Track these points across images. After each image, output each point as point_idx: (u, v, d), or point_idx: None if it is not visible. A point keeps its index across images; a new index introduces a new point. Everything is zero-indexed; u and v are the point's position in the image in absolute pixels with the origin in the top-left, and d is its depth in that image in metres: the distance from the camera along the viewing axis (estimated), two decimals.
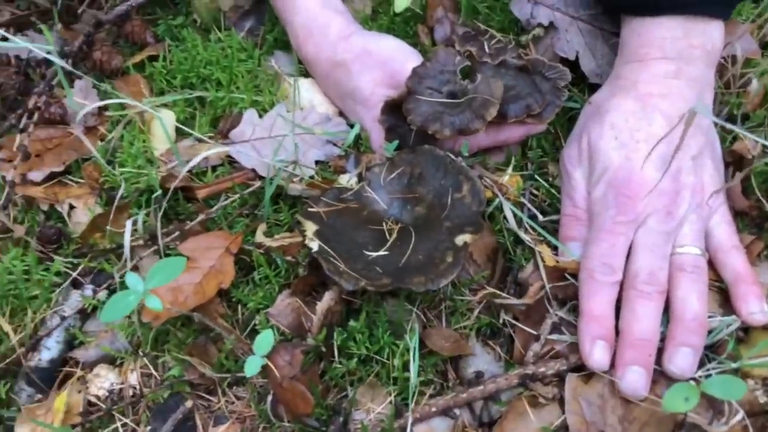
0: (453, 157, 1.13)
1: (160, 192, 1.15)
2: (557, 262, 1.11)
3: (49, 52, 0.90)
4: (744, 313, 1.04)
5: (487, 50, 1.20)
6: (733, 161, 1.16)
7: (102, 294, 1.12)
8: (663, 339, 1.03)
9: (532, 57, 1.22)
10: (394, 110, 1.20)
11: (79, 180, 1.28)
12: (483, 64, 1.19)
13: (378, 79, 1.22)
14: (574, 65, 1.27)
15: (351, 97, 1.26)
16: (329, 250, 1.03)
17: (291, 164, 1.15)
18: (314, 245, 1.03)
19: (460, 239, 1.03)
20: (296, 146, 1.14)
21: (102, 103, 1.14)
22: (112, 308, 0.85)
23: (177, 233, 1.12)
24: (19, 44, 0.88)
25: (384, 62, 1.22)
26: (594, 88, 1.29)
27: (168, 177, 1.21)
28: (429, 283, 0.98)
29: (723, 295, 1.09)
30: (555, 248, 1.14)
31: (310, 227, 1.06)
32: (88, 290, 1.14)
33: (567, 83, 1.21)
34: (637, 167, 1.07)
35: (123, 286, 1.08)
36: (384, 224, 1.11)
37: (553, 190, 1.20)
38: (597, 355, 1.01)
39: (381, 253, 1.05)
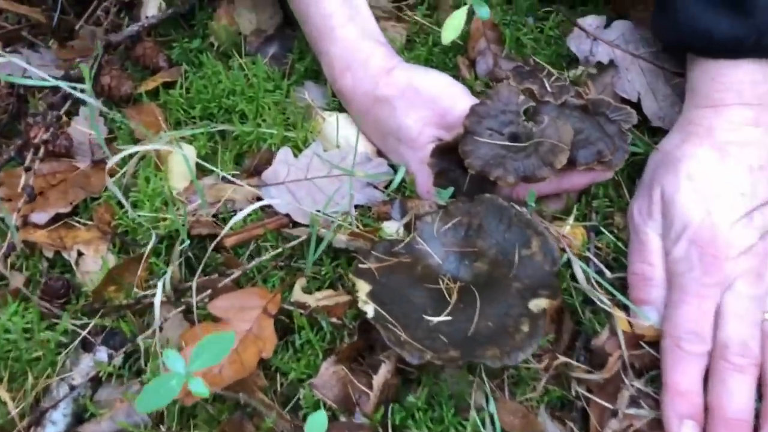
0: (518, 208, 1.02)
1: (188, 243, 1.01)
2: (632, 328, 1.00)
3: (83, 90, 0.76)
4: None
5: (548, 88, 1.09)
6: None
7: (118, 359, 0.98)
8: (756, 415, 0.93)
9: (595, 97, 1.12)
10: (446, 153, 1.08)
11: (88, 222, 1.13)
12: (545, 104, 1.08)
13: (426, 118, 1.11)
14: (633, 107, 1.17)
15: (395, 137, 1.14)
16: (386, 315, 0.90)
17: (343, 215, 1.03)
18: (369, 310, 0.91)
19: (536, 305, 0.92)
20: (351, 196, 1.02)
21: (136, 149, 1.00)
22: (150, 396, 0.71)
23: (209, 291, 0.98)
24: (49, 82, 0.74)
25: (432, 100, 1.11)
26: (655, 132, 1.20)
27: (193, 224, 1.07)
28: (505, 357, 0.86)
29: None
30: (626, 310, 1.03)
31: (363, 287, 0.94)
32: (102, 353, 0.99)
33: (631, 126, 1.11)
34: (721, 224, 0.98)
35: (146, 354, 0.95)
36: (441, 282, 0.99)
37: (620, 244, 1.10)
38: None
39: (443, 318, 0.93)
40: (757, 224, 0.98)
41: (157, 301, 0.91)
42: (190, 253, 1.05)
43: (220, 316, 0.96)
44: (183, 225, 1.01)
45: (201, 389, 0.74)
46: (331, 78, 1.21)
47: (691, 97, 1.10)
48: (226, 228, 0.98)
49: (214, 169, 1.10)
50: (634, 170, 1.19)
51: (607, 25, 1.25)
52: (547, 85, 1.11)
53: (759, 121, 1.03)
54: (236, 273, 1.00)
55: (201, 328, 0.95)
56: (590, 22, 1.24)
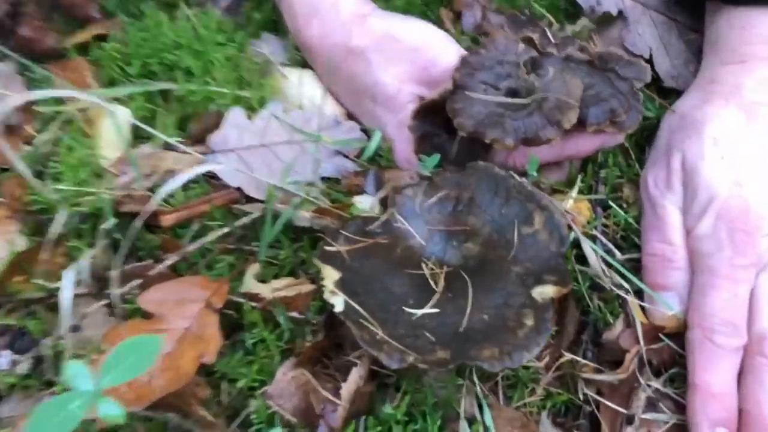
0: (517, 178, 0.85)
1: (113, 222, 0.82)
2: (649, 318, 0.85)
3: None
4: None
5: (551, 39, 0.92)
6: None
7: (24, 366, 0.79)
8: None
9: (604, 50, 0.95)
10: (431, 114, 0.91)
11: None
12: (547, 56, 0.91)
13: (406, 73, 0.94)
14: None
15: (370, 96, 0.96)
16: (359, 308, 0.73)
17: (307, 186, 0.85)
18: (338, 302, 0.73)
19: (541, 293, 0.75)
20: (317, 163, 0.84)
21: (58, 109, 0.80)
22: (43, 422, 0.53)
23: (139, 280, 0.80)
24: None
25: (414, 51, 0.94)
26: (666, 94, 1.05)
27: (123, 198, 0.88)
28: (505, 358, 0.70)
29: None
30: (641, 297, 0.87)
31: (330, 274, 0.76)
32: (4, 358, 0.80)
33: (645, 83, 0.95)
34: (753, 196, 0.83)
35: (57, 357, 0.76)
36: (425, 267, 0.81)
37: (631, 220, 0.94)
38: None
39: (429, 310, 0.76)
40: None
41: (66, 292, 0.73)
42: (118, 235, 0.86)
43: (153, 312, 0.78)
44: (106, 198, 0.82)
45: (113, 411, 0.56)
46: (294, 28, 1.03)
47: (714, 52, 0.95)
48: (155, 199, 0.79)
49: (154, 132, 0.91)
50: (643, 137, 1.03)
51: None
52: (549, 34, 0.94)
53: None
54: (172, 258, 0.81)
55: (127, 327, 0.76)
56: None
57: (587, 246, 0.84)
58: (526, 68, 0.88)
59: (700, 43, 1.03)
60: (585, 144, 0.91)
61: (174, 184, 0.80)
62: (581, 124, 0.86)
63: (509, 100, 0.85)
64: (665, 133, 0.95)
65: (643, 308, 0.86)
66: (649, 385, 0.82)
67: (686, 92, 0.97)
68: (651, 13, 1.05)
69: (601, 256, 0.86)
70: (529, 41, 0.92)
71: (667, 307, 0.84)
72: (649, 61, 1.03)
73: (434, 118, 0.90)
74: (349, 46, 0.96)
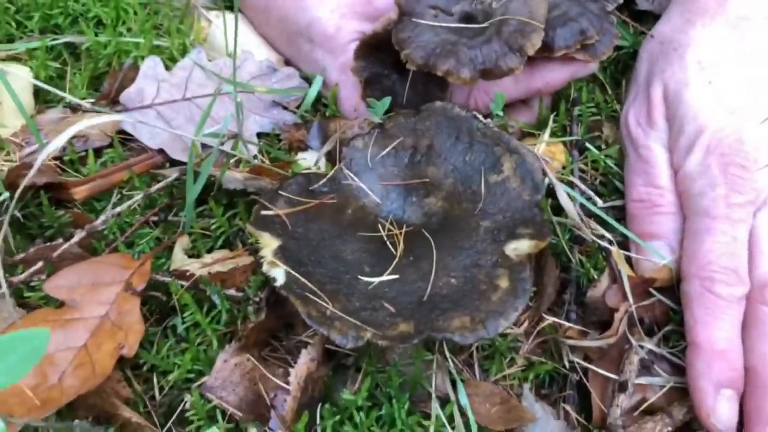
0: (481, 118, 0.73)
1: (6, 195, 0.69)
2: (637, 271, 0.76)
3: None
4: None
5: None
6: None
7: None
8: None
9: None
10: (376, 51, 0.79)
11: None
12: None
13: (344, 6, 0.82)
14: None
15: (306, 38, 0.84)
16: (304, 280, 0.62)
17: (229, 140, 0.72)
18: (278, 274, 0.62)
19: (515, 249, 0.65)
20: (239, 105, 0.71)
21: None
22: None
23: (40, 263, 0.67)
24: None
25: None
26: (643, 17, 0.94)
27: (21, 168, 0.75)
28: (479, 327, 0.60)
29: None
30: (627, 249, 0.78)
31: (269, 242, 0.64)
32: None
33: (617, 4, 0.85)
34: (746, 124, 0.74)
35: None
36: (381, 228, 0.70)
37: (611, 163, 0.84)
38: (723, 411, 0.67)
39: (387, 277, 0.65)
40: None
41: None
42: (20, 213, 0.73)
43: (63, 298, 0.66)
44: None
45: None
46: None
47: None
48: (38, 162, 0.66)
49: (51, 89, 0.77)
50: (619, 69, 0.93)
51: None
52: None
53: None
54: (79, 234, 0.69)
55: (31, 319, 0.64)
56: None
57: (563, 194, 0.73)
58: None
59: None
60: (554, 74, 0.81)
61: (64, 137, 0.66)
62: (548, 50, 0.76)
63: (464, 26, 0.74)
64: (644, 62, 0.85)
65: (629, 260, 0.76)
66: (641, 347, 0.73)
67: (665, 13, 0.88)
68: None
69: (580, 204, 0.76)
70: None
71: (657, 257, 0.74)
72: None
73: (381, 56, 0.78)
74: None
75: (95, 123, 0.68)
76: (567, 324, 0.74)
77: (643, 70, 0.84)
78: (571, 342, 0.71)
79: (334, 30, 0.82)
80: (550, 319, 0.73)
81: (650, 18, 0.92)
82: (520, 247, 0.65)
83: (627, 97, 0.86)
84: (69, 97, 0.81)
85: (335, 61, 0.83)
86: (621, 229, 0.74)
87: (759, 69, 0.77)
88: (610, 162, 0.84)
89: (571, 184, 0.80)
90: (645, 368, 0.74)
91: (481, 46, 0.72)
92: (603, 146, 0.86)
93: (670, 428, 0.70)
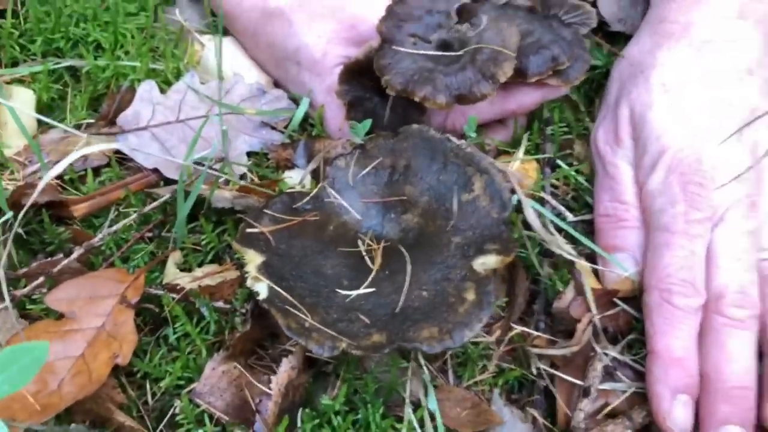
0: (455, 140, 0.78)
1: (10, 215, 0.74)
2: (602, 283, 0.80)
3: None
4: None
5: None
6: None
7: None
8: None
9: None
10: (360, 76, 0.84)
11: None
12: (482, 3, 0.85)
13: (332, 32, 0.86)
14: None
15: (294, 61, 0.89)
16: (285, 293, 0.67)
17: (217, 163, 0.77)
18: (261, 288, 0.67)
19: (483, 263, 0.69)
20: (224, 133, 0.76)
21: None
22: None
23: (42, 278, 0.72)
24: None
25: (338, 7, 0.87)
26: (614, 39, 0.99)
27: (24, 188, 0.80)
28: (446, 338, 0.64)
29: None
30: (594, 261, 0.82)
31: (253, 258, 0.69)
32: None
33: (590, 28, 0.89)
34: (706, 145, 0.78)
35: None
36: (360, 243, 0.75)
37: (581, 179, 0.88)
38: (679, 415, 0.72)
39: (363, 291, 0.70)
40: (748, 142, 0.78)
41: None
42: (22, 230, 0.78)
43: (62, 311, 0.71)
44: (1, 195, 0.74)
45: None
46: None
47: None
48: (41, 184, 0.71)
49: (49, 121, 0.82)
50: (592, 88, 0.97)
51: None
52: None
53: (745, 12, 0.83)
54: (79, 251, 0.74)
55: (33, 330, 0.69)
56: None
57: (530, 210, 0.78)
58: (459, 17, 0.81)
59: None
60: (527, 97, 0.85)
61: (66, 161, 0.72)
62: (522, 75, 0.80)
63: (441, 53, 0.79)
64: (614, 83, 0.89)
65: (597, 273, 0.81)
66: (606, 354, 0.78)
67: (636, 34, 0.92)
68: None
69: (550, 219, 0.81)
70: None
71: (620, 269, 0.79)
72: (594, 4, 0.96)
73: (364, 81, 0.83)
74: (268, 7, 0.88)
75: (94, 150, 0.73)
76: (535, 333, 0.78)
77: (613, 91, 0.88)
78: (536, 350, 0.76)
79: (321, 55, 0.86)
80: (519, 329, 0.78)
81: (623, 39, 0.97)
82: (487, 262, 0.70)
83: (598, 116, 0.90)
84: (64, 127, 0.85)
85: (321, 84, 0.87)
86: (586, 242, 0.79)
87: (721, 91, 0.81)
88: (581, 178, 0.89)
89: (542, 201, 0.85)
90: (608, 375, 0.78)
91: (457, 73, 0.77)
92: (575, 162, 0.90)
93: (629, 431, 0.75)
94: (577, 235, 0.79)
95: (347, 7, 0.85)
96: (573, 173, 0.88)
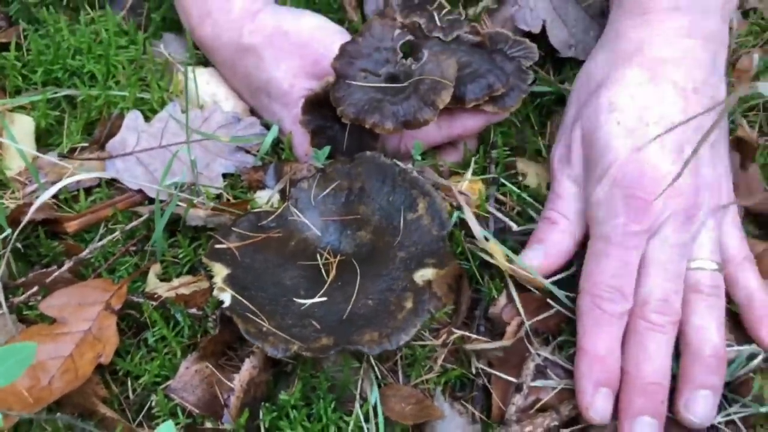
0: (402, 165, 0.88)
1: (9, 231, 0.84)
2: (513, 269, 0.88)
3: None
4: (766, 340, 0.85)
5: (438, 23, 0.95)
6: (738, 149, 0.96)
7: None
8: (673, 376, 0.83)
9: (492, 30, 0.98)
10: (320, 107, 0.94)
11: None
12: (428, 40, 0.94)
13: (297, 67, 0.96)
14: (539, 39, 1.04)
15: (265, 92, 0.99)
16: (246, 302, 0.76)
17: (188, 187, 0.87)
18: (226, 297, 0.76)
19: (421, 276, 0.79)
20: (193, 163, 0.86)
21: None
22: None
23: (36, 287, 0.82)
24: None
25: (304, 45, 0.96)
26: (563, 65, 1.08)
27: (23, 207, 0.90)
28: (384, 341, 0.74)
29: (733, 316, 0.89)
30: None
31: (220, 271, 0.79)
32: None
33: (533, 62, 0.98)
34: (648, 160, 0.84)
35: None
36: (318, 257, 0.85)
37: (524, 195, 0.97)
38: (600, 405, 0.80)
39: (317, 299, 0.79)
40: (688, 157, 0.86)
41: None
42: (21, 244, 0.88)
43: (54, 316, 0.81)
44: (1, 213, 0.84)
45: None
46: (190, 27, 1.04)
47: (618, 3, 0.94)
48: (35, 205, 0.81)
49: (42, 156, 0.92)
50: (543, 114, 1.07)
51: None
52: (436, 18, 0.96)
53: (693, 30, 0.88)
54: (70, 263, 0.84)
55: (28, 333, 0.79)
56: None
57: (473, 223, 0.87)
58: (404, 53, 0.91)
59: (599, 7, 1.05)
60: (471, 122, 0.94)
61: (62, 183, 0.82)
62: (461, 102, 0.90)
63: (388, 85, 0.88)
64: (572, 105, 0.94)
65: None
66: (538, 354, 0.87)
67: (594, 50, 0.96)
68: None
69: (483, 233, 0.88)
70: (416, 26, 0.94)
71: (529, 260, 0.87)
72: (543, 34, 1.05)
73: (324, 111, 0.92)
74: (242, 43, 0.97)
75: (85, 177, 0.83)
76: (474, 336, 0.88)
77: (570, 112, 0.94)
78: (471, 347, 0.85)
79: (288, 87, 0.96)
80: (459, 333, 0.87)
81: (573, 64, 1.05)
82: (425, 274, 0.79)
83: (558, 134, 0.96)
84: (54, 160, 0.95)
85: (289, 114, 0.97)
86: (504, 250, 0.87)
87: (666, 108, 0.86)
88: (525, 194, 0.98)
89: (487, 217, 0.94)
90: (540, 372, 0.86)
91: (402, 102, 0.87)
92: (520, 178, 0.99)
93: (557, 422, 0.83)
94: (503, 248, 0.87)
95: (310, 45, 0.95)
96: (517, 190, 0.97)
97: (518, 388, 0.84)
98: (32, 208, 0.81)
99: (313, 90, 0.91)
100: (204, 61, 1.08)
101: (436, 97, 0.85)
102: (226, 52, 1.00)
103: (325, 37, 0.96)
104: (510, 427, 0.82)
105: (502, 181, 0.98)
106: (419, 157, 0.90)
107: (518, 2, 1.05)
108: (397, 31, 0.91)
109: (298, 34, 0.96)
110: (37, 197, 0.94)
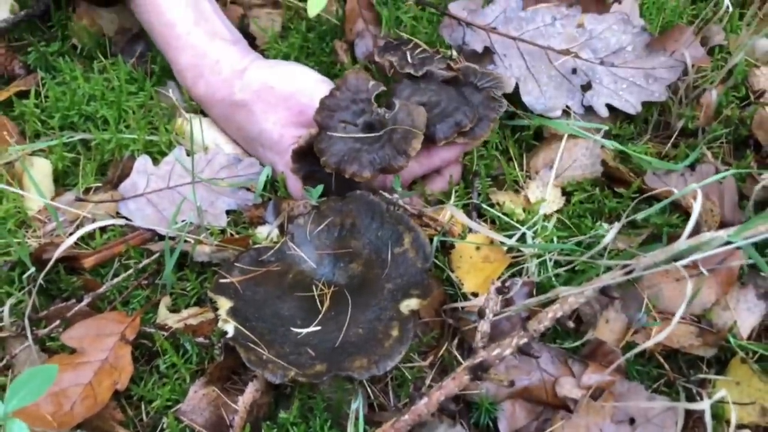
0: (388, 196, 0.96)
1: (33, 270, 0.93)
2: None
3: None
4: None
5: (410, 60, 1.04)
6: None
7: None
8: None
9: (462, 65, 1.06)
10: (307, 155, 1.02)
11: None
12: (399, 83, 1.03)
13: (285, 119, 1.04)
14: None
15: (258, 143, 1.07)
16: (248, 332, 0.84)
17: (195, 228, 0.96)
18: (229, 328, 0.85)
19: (406, 306, 0.87)
20: (199, 209, 0.95)
21: None
22: None
23: (58, 321, 0.90)
24: None
25: (289, 97, 1.04)
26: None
27: (46, 245, 0.98)
28: (372, 367, 0.81)
29: None
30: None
31: (224, 304, 0.87)
32: None
33: (503, 91, 1.06)
34: None
35: None
36: (314, 288, 0.93)
37: (506, 218, 1.05)
38: None
39: (312, 329, 0.87)
40: None
41: None
42: (43, 280, 0.96)
43: (75, 347, 0.89)
44: (26, 249, 0.93)
45: (19, 430, 0.67)
46: (186, 87, 1.12)
47: None
48: (58, 251, 0.89)
49: (54, 205, 1.00)
50: (524, 147, 1.14)
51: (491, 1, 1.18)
52: (408, 56, 1.05)
53: None
54: (88, 298, 0.92)
55: (53, 361, 0.87)
56: (464, 5, 1.17)
57: (472, 223, 0.95)
58: (378, 102, 0.99)
59: (572, 65, 1.14)
60: (447, 153, 1.03)
61: (84, 230, 0.91)
62: (433, 141, 0.98)
63: (365, 135, 0.97)
64: None
65: None
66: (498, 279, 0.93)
67: None
68: (519, 44, 1.14)
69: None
70: (389, 65, 1.03)
71: None
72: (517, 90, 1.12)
73: (312, 159, 1.00)
74: (233, 100, 1.05)
75: (101, 225, 0.92)
76: (459, 357, 0.95)
77: None
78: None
79: (278, 137, 1.04)
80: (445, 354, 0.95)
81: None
82: (410, 304, 0.87)
83: None
84: (70, 209, 1.04)
85: (281, 160, 1.05)
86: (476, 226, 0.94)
87: None
88: (506, 218, 1.05)
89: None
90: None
91: (378, 150, 0.95)
92: (497, 206, 1.07)
93: (526, 339, 0.82)
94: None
95: (295, 97, 1.02)
96: (497, 214, 1.04)
97: (480, 314, 0.86)
98: (56, 253, 0.90)
99: (299, 143, 0.99)
100: (201, 111, 1.16)
101: (407, 147, 0.93)
102: (220, 108, 1.08)
103: (308, 87, 1.03)
104: (477, 353, 0.83)
105: (482, 206, 1.05)
106: (398, 188, 0.98)
107: (495, 61, 1.13)
108: (371, 83, 1.00)
109: (283, 87, 1.03)
110: (56, 235, 1.03)
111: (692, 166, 1.06)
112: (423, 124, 0.94)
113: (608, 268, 0.91)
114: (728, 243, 0.78)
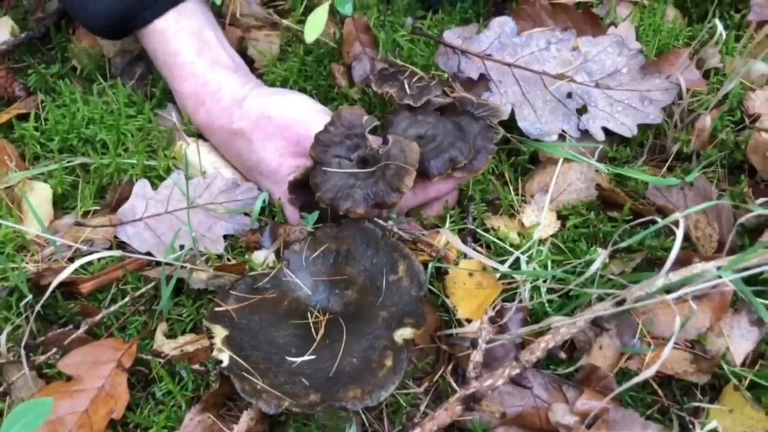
0: (383, 223, 0.97)
1: (30, 298, 0.94)
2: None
3: None
4: None
5: (408, 91, 1.04)
6: None
7: None
8: None
9: (459, 95, 1.07)
10: (303, 186, 1.02)
11: None
12: (397, 114, 1.04)
13: (282, 148, 1.05)
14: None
15: (256, 171, 1.08)
16: (242, 362, 0.85)
17: (191, 255, 0.96)
18: (224, 357, 0.85)
19: (400, 335, 0.87)
20: (194, 239, 0.96)
21: None
22: None
23: (55, 348, 0.91)
24: None
25: (286, 127, 1.04)
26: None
27: (44, 271, 0.99)
28: (366, 398, 0.82)
29: None
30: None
31: (219, 333, 0.88)
32: None
33: (499, 119, 1.06)
34: None
35: None
36: (309, 316, 0.93)
37: (501, 242, 1.05)
38: None
39: (306, 357, 0.88)
40: None
41: None
42: (40, 306, 0.97)
43: (71, 374, 0.90)
44: (22, 276, 0.94)
45: None
46: (187, 113, 1.13)
47: None
48: (57, 279, 0.90)
49: (50, 238, 1.01)
50: (519, 171, 1.15)
51: (486, 26, 1.19)
52: (407, 86, 1.06)
53: None
54: (86, 325, 0.93)
55: (49, 389, 0.88)
56: (458, 33, 1.18)
57: (453, 237, 0.96)
58: (374, 134, 1.00)
59: (566, 90, 1.14)
60: (443, 186, 1.04)
61: (84, 260, 0.91)
62: (427, 177, 0.99)
63: (359, 171, 0.97)
64: None
65: None
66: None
67: None
68: (514, 70, 1.15)
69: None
70: (388, 96, 1.04)
71: None
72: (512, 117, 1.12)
73: (307, 190, 1.00)
74: (233, 129, 1.06)
75: (100, 256, 0.93)
76: (454, 384, 0.96)
77: None
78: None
79: (276, 166, 1.05)
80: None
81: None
82: (404, 334, 0.88)
83: None
84: (69, 242, 1.05)
85: (279, 189, 1.06)
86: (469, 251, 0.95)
87: None
88: (501, 242, 1.06)
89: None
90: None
91: (371, 186, 0.96)
92: (492, 231, 1.07)
93: (518, 370, 0.83)
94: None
95: (292, 128, 1.03)
96: (492, 239, 1.05)
97: (473, 344, 0.87)
98: (54, 282, 0.90)
99: (295, 176, 1.00)
100: (200, 135, 1.17)
101: (400, 184, 0.94)
102: (220, 135, 1.09)
103: (305, 118, 1.04)
104: (470, 384, 0.84)
105: (478, 232, 1.06)
106: (394, 215, 0.99)
107: (490, 88, 1.13)
108: (365, 118, 1.00)
109: (281, 117, 1.04)
110: (54, 260, 1.04)
111: (692, 184, 1.07)
112: (416, 160, 0.95)
113: (601, 297, 0.91)
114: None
